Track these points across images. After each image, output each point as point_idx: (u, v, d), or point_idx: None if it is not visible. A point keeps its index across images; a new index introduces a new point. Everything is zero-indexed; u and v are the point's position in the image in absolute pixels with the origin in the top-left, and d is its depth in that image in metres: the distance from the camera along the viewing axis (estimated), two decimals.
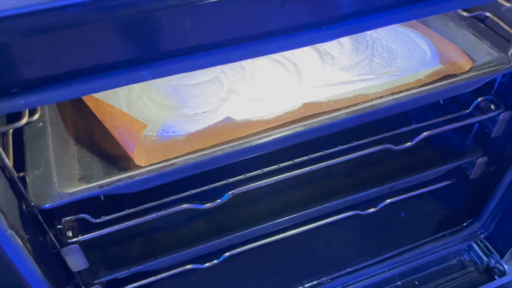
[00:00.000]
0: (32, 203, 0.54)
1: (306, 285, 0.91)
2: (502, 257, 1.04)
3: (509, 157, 0.85)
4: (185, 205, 0.68)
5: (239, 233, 0.80)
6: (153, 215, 0.67)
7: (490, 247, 1.06)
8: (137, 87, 0.79)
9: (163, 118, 0.72)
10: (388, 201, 0.93)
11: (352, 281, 0.96)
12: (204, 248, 0.78)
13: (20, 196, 0.56)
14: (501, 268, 1.03)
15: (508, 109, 0.80)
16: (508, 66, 0.71)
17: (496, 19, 0.79)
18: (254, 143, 0.64)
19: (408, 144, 0.76)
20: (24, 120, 0.59)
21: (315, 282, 0.91)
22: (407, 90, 0.73)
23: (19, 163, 0.59)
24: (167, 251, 0.77)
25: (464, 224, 0.99)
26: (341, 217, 0.91)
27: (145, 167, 0.61)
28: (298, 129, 0.65)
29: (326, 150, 0.76)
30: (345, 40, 0.87)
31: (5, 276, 0.55)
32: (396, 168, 0.90)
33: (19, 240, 0.51)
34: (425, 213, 1.01)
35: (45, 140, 0.62)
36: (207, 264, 0.83)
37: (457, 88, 0.71)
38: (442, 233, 0.99)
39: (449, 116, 0.81)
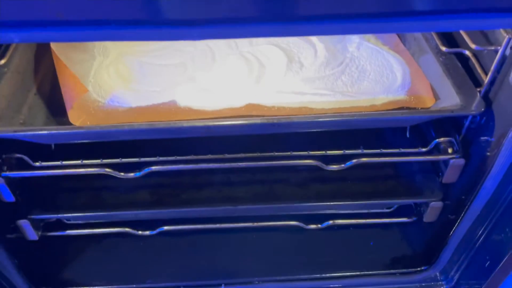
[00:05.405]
0: None
1: (234, 281, 0.93)
2: None
3: (464, 206, 0.79)
4: (107, 170, 0.74)
5: (175, 210, 0.84)
6: (75, 171, 0.73)
7: None
8: (111, 56, 0.86)
9: (116, 89, 0.78)
10: (336, 222, 0.92)
11: None
12: (137, 215, 0.83)
13: None
14: None
15: (463, 156, 0.74)
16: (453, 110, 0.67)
17: (473, 60, 0.74)
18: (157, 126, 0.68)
19: (335, 167, 0.74)
20: None
21: (244, 280, 0.92)
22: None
23: None
24: (103, 209, 0.84)
25: (419, 268, 0.94)
26: (283, 225, 0.92)
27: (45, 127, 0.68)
28: (208, 123, 0.67)
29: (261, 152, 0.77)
30: (321, 53, 0.86)
31: None
32: (350, 191, 0.87)
33: None
34: (379, 246, 0.97)
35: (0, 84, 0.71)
36: (140, 232, 0.90)
37: (379, 121, 0.69)
38: (392, 271, 0.95)
39: (401, 150, 0.78)
